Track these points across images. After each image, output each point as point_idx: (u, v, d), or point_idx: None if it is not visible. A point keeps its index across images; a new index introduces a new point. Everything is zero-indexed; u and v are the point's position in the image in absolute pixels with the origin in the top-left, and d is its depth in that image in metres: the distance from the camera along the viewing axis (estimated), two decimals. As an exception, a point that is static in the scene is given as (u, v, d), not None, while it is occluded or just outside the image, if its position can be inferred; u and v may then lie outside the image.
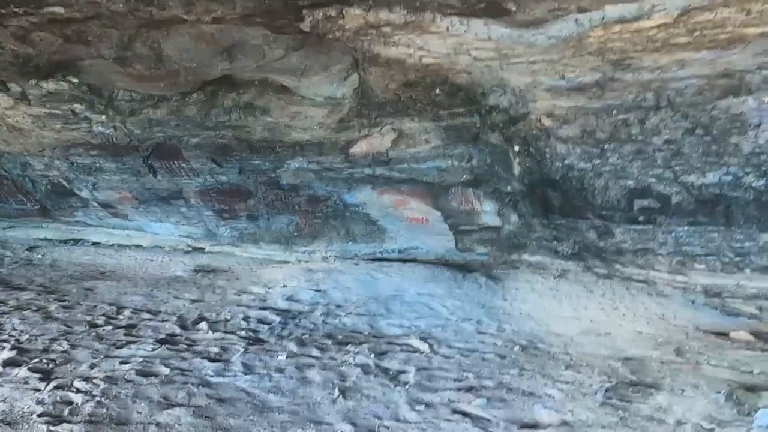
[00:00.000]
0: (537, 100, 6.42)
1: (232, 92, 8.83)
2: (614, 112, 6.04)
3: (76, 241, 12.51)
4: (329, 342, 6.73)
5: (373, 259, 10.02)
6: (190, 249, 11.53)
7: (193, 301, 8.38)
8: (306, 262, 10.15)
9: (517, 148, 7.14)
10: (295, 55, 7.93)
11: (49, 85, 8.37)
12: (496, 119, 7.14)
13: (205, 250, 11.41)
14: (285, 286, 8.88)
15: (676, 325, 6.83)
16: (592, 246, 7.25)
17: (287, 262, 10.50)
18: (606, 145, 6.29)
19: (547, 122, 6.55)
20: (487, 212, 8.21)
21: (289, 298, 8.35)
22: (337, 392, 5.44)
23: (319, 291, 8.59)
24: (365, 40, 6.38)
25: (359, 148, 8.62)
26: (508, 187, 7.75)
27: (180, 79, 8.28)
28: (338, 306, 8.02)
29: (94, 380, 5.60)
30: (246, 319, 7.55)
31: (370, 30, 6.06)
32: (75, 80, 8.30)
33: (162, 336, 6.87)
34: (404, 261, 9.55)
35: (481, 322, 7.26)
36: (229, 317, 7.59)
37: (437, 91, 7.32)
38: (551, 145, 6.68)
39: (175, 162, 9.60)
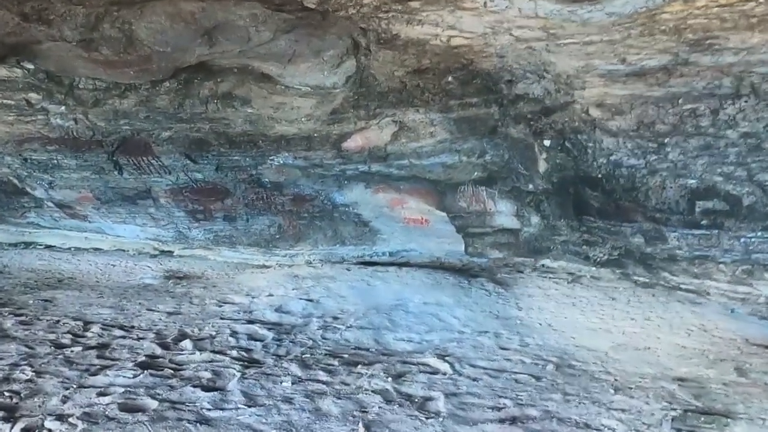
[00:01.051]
0: (586, 88, 5.71)
1: (209, 80, 8.02)
2: (680, 101, 5.35)
3: (27, 245, 11.42)
4: (335, 362, 5.93)
5: (364, 263, 9.25)
6: (157, 252, 10.56)
7: (170, 313, 7.48)
8: (289, 266, 9.31)
9: (547, 143, 6.43)
10: (284, 39, 7.15)
11: (1, 72, 7.40)
12: (524, 110, 6.43)
13: (174, 254, 10.45)
14: (271, 294, 8.04)
15: (721, 337, 6.21)
16: (636, 252, 6.58)
17: (267, 267, 9.66)
18: (666, 139, 5.60)
19: (595, 113, 5.84)
20: (503, 213, 7.48)
21: (279, 310, 7.52)
22: (361, 428, 4.64)
23: (310, 300, 7.77)
24: (384, 18, 5.58)
25: (354, 142, 7.83)
26: (530, 186, 7.04)
27: (152, 66, 7.42)
28: (335, 318, 7.23)
29: (70, 419, 4.70)
30: (234, 335, 6.70)
31: (394, 5, 5.26)
32: (31, 66, 7.35)
33: (141, 358, 5.97)
34: (399, 266, 8.78)
35: (499, 336, 6.55)
36: (214, 333, 6.74)
37: (449, 79, 6.60)
38: (596, 139, 5.99)
39: (144, 158, 8.67)
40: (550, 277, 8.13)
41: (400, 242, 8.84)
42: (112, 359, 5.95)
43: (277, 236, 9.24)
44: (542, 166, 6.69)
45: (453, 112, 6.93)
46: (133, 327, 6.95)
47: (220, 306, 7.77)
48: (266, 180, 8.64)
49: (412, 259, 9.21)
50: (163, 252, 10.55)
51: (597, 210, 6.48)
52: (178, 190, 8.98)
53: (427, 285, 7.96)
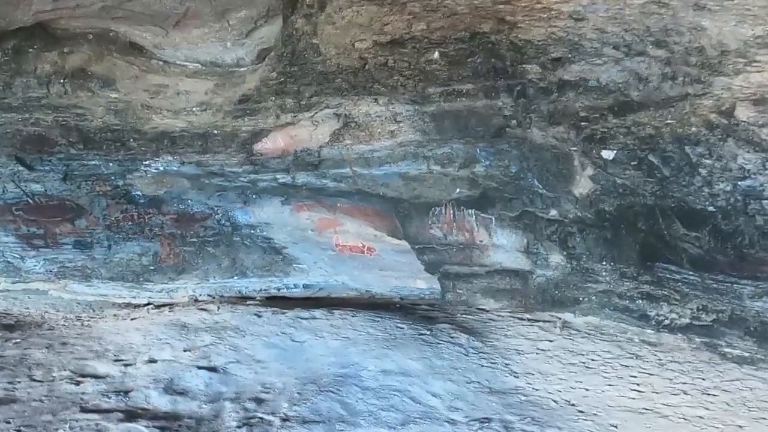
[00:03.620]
0: (743, 72, 3.74)
1: (52, 50, 5.71)
2: None
3: None
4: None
5: (270, 298, 6.99)
6: (-29, 286, 7.68)
7: (-1, 402, 4.93)
8: (169, 308, 6.84)
9: (609, 154, 4.41)
10: (177, -10, 4.88)
11: None
12: (574, 104, 4.40)
13: (-1, 288, 7.61)
14: (153, 360, 5.61)
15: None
16: (752, 321, 4.68)
17: (136, 306, 7.13)
18: None
19: (744, 113, 3.85)
20: (502, 248, 5.40)
21: (170, 388, 5.14)
22: None
23: (214, 370, 5.42)
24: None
25: (272, 143, 5.62)
26: (552, 212, 5.01)
27: (-40, 25, 4.96)
28: (258, 401, 4.96)
29: None
30: (109, 446, 4.31)
31: None
32: None
33: None
34: (329, 308, 6.52)
35: (511, 428, 4.56)
36: (75, 444, 4.33)
37: (435, 56, 4.55)
38: (723, 154, 4.04)
39: (-49, 162, 6.03)
40: (528, 320, 6.25)
41: (324, 274, 6.63)
42: None
43: (152, 267, 6.75)
44: (583, 186, 4.71)
45: (431, 104, 4.88)
46: (-63, 435, 4.41)
47: (78, 383, 5.26)
48: (138, 193, 6.22)
49: (333, 293, 7.04)
50: (-21, 284, 7.68)
51: (692, 258, 4.52)
52: (4, 208, 6.34)
53: (377, 340, 5.79)
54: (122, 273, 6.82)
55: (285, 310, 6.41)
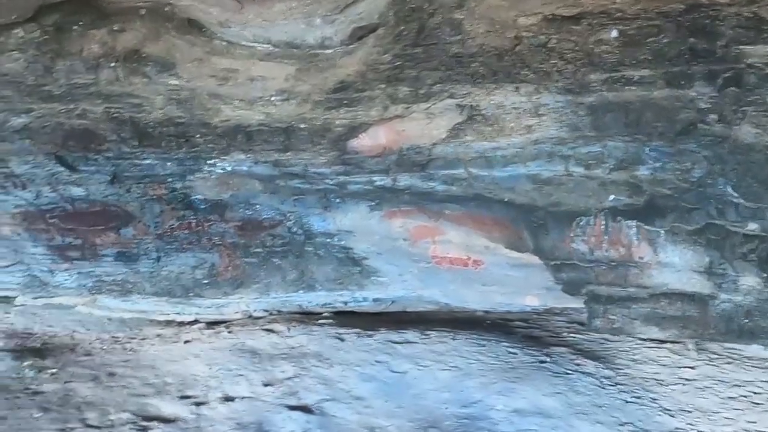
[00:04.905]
0: None
1: (100, 28, 4.82)
2: None
3: None
4: None
5: (337, 313, 6.14)
6: (-15, 300, 6.67)
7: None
8: (227, 330, 5.92)
9: None
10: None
11: None
12: None
13: (16, 302, 6.60)
14: (229, 398, 4.73)
15: None
16: None
17: (179, 324, 6.22)
18: None
19: None
20: (672, 267, 4.49)
21: (260, 436, 4.26)
22: None
23: (307, 411, 4.56)
24: None
25: (372, 139, 4.72)
26: (751, 226, 4.14)
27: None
28: (376, 452, 4.11)
29: None
30: None
31: None
32: None
33: None
34: (421, 329, 5.68)
35: (698, 487, 3.77)
36: None
37: (613, 34, 3.71)
38: None
39: (-23, 162, 5.05)
40: (651, 340, 5.45)
41: (408, 288, 5.74)
42: None
43: (206, 281, 5.79)
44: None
45: (590, 94, 4.03)
46: None
47: (144, 430, 4.39)
48: (199, 197, 5.26)
49: (409, 306, 6.19)
50: (-3, 298, 6.66)
51: None
52: (37, 215, 5.34)
53: (493, 370, 4.93)
54: (169, 288, 5.86)
55: (369, 332, 5.55)
